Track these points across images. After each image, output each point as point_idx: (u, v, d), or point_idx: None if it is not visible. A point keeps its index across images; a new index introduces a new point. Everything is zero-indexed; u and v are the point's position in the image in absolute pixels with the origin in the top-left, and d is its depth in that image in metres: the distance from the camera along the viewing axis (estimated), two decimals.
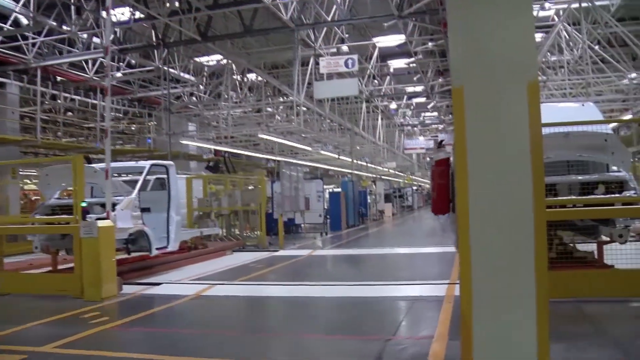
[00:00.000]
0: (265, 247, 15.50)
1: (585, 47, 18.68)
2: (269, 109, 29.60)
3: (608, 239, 7.40)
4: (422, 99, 34.97)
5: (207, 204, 16.20)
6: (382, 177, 40.73)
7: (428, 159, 50.23)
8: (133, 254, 10.73)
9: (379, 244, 16.87)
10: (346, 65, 17.77)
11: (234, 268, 11.65)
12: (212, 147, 24.18)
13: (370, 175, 37.87)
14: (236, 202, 16.48)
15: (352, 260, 12.97)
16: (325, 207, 22.20)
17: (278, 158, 31.42)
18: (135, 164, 12.59)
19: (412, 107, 38.75)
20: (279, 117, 28.04)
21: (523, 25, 3.63)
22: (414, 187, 51.33)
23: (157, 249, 10.63)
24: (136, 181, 10.62)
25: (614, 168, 7.83)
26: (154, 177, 12.13)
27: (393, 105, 37.15)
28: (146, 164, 11.06)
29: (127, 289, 8.77)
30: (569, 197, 7.24)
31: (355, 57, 17.89)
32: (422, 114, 42.38)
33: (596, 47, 19.50)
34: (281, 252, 14.50)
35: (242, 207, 16.42)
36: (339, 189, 25.01)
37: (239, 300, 8.11)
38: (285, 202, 16.88)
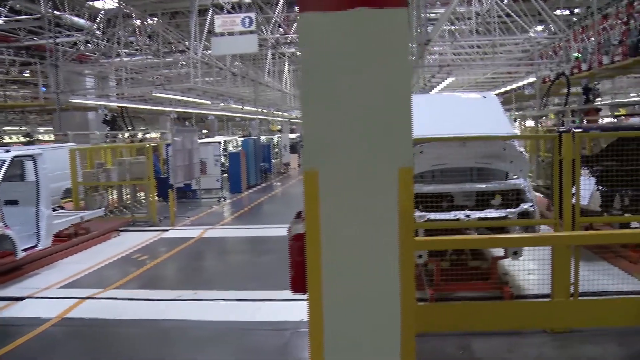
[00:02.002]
0: (156, 224, 14.73)
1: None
2: (169, 59, 28.00)
3: (502, 254, 7.31)
4: None
5: (93, 177, 15.13)
6: (291, 126, 40.12)
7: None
8: None
9: (280, 212, 16.45)
10: (243, 24, 16.76)
11: (113, 262, 10.91)
12: (104, 103, 22.53)
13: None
14: (125, 175, 15.52)
15: (246, 247, 12.50)
16: (224, 168, 21.50)
17: (179, 109, 30.07)
18: None
19: None
20: (179, 71, 26.53)
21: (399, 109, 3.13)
22: None
23: (24, 249, 9.73)
24: None
25: (513, 176, 7.64)
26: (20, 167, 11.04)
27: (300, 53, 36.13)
28: (6, 156, 9.91)
29: None
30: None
31: (252, 15, 16.90)
32: None
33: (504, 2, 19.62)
34: (171, 232, 13.80)
35: (131, 182, 15.47)
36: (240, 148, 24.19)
37: (102, 330, 7.46)
38: (178, 173, 16.06)
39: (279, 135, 35.00)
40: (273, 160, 29.04)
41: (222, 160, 25.41)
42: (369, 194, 3.15)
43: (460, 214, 6.97)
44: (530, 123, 26.03)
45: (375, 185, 3.14)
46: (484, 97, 8.66)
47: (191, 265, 10.79)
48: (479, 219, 6.92)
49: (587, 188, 8.83)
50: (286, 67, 36.27)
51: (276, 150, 30.87)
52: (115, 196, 16.56)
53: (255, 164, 23.45)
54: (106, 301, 8.41)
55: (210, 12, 18.95)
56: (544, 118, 18.78)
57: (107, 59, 25.33)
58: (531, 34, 21.80)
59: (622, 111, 43.22)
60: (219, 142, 29.82)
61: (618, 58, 19.67)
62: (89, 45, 26.82)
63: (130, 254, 11.63)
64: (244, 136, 32.08)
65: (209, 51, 20.42)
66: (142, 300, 8.40)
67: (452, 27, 23.66)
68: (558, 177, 6.43)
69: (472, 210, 7.25)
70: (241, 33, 17.90)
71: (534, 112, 19.39)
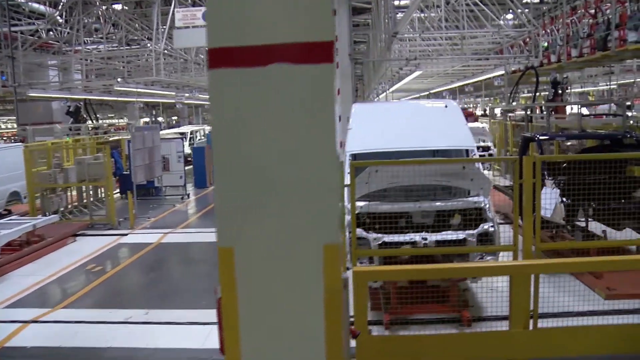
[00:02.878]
0: (115, 227, 14.26)
1: None
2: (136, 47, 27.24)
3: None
4: None
5: (50, 179, 14.57)
6: None
7: None
8: None
9: None
10: (204, 18, 16.22)
11: (66, 275, 10.48)
12: (66, 96, 21.81)
13: None
14: (84, 176, 14.98)
15: (205, 255, 12.12)
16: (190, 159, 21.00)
17: (146, 100, 29.37)
18: None
19: None
20: (143, 62, 25.85)
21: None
22: None
23: None
24: None
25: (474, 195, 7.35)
26: None
27: None
28: None
29: None
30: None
31: None
32: None
33: None
34: (129, 237, 13.36)
35: (89, 183, 14.96)
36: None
37: None
38: (138, 173, 15.57)
39: None
40: None
41: (189, 151, 24.96)
42: (291, 273, 2.83)
43: (416, 236, 6.70)
44: (497, 111, 26.00)
45: (297, 264, 2.81)
46: (445, 106, 8.37)
47: (146, 278, 10.40)
48: (436, 242, 6.66)
49: (550, 200, 8.65)
50: None
51: None
52: (74, 194, 16.05)
53: None
54: (52, 325, 7.99)
55: (174, 2, 18.39)
56: (512, 113, 18.62)
57: (70, 47, 24.57)
58: (500, 23, 21.58)
59: (591, 97, 43.61)
60: (185, 133, 29.36)
61: (586, 51, 19.57)
62: (51, 33, 25.98)
63: (85, 263, 11.20)
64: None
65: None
66: (90, 323, 8.00)
67: (422, 15, 23.38)
68: (518, 201, 6.17)
69: (430, 229, 6.99)
70: (204, 26, 17.38)
71: (503, 105, 19.24)
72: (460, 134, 7.90)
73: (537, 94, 18.42)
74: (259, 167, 2.75)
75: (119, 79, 21.05)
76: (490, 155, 18.61)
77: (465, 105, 53.29)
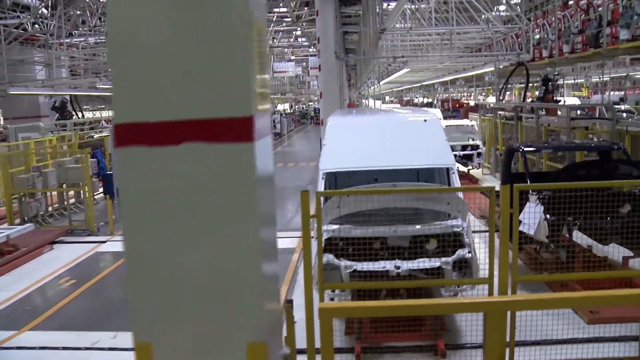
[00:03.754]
0: (95, 232, 13.95)
1: None
2: None
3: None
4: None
5: (28, 184, 14.22)
6: None
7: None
8: None
9: None
10: None
11: (38, 289, 10.18)
12: (49, 93, 21.40)
13: None
14: (65, 180, 14.65)
15: None
16: None
17: None
18: None
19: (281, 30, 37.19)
20: None
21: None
22: (285, 111, 49.85)
23: None
24: None
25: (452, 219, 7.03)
26: None
27: None
28: None
29: None
30: None
31: None
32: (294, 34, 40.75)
33: None
34: (107, 245, 13.04)
35: (69, 189, 14.63)
36: None
37: None
38: (115, 180, 15.21)
39: None
40: None
41: None
42: None
43: (389, 265, 6.41)
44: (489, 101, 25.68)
45: None
46: (425, 120, 8.03)
47: (117, 295, 9.99)
48: (410, 270, 6.37)
49: (534, 216, 8.35)
50: None
51: None
52: (55, 195, 15.73)
53: None
54: (16, 352, 7.69)
55: None
56: (502, 111, 18.28)
57: (56, 39, 24.16)
58: (491, 15, 21.19)
59: (585, 91, 43.25)
60: None
61: (578, 47, 19.25)
62: (37, 26, 25.53)
63: (59, 275, 10.91)
64: None
65: None
66: (55, 349, 7.71)
67: (413, 7, 23.02)
68: (493, 231, 5.87)
69: (406, 254, 6.70)
70: None
71: (493, 103, 18.92)
72: (440, 151, 7.58)
73: (529, 87, 18.09)
74: (175, 261, 2.44)
75: (101, 77, 20.63)
76: (479, 154, 18.31)
77: (458, 97, 52.99)
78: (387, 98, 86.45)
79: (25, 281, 10.57)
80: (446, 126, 19.93)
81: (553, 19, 20.54)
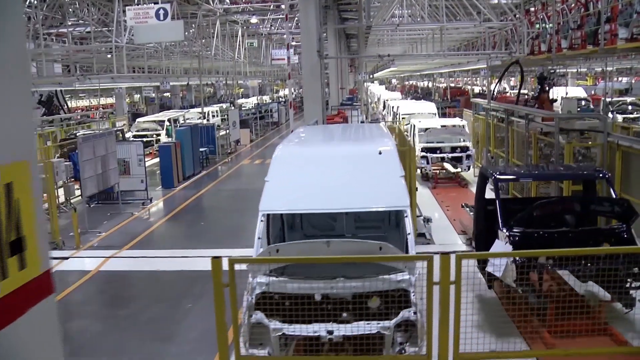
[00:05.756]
0: (60, 246, 13.34)
1: None
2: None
3: None
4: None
5: None
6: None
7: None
8: None
9: (211, 224, 15.22)
10: (157, 16, 15.03)
11: None
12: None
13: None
14: None
15: (146, 290, 11.16)
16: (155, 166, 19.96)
17: (123, 85, 28.23)
18: None
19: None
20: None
21: None
22: (282, 100, 48.79)
23: None
24: None
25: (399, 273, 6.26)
26: None
27: (254, 20, 34.24)
28: None
29: None
30: None
31: (167, 6, 15.13)
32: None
33: None
34: (69, 262, 12.42)
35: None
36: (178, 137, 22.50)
37: None
38: (88, 185, 14.59)
39: (214, 111, 33.50)
40: (220, 141, 27.55)
41: (167, 139, 23.88)
42: None
43: (322, 330, 5.71)
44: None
45: None
46: (380, 152, 7.24)
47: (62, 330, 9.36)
48: (344, 337, 5.67)
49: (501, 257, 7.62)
50: (240, 36, 34.47)
51: (221, 130, 29.09)
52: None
53: (193, 152, 21.89)
54: None
55: None
56: (494, 112, 17.44)
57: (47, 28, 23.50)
58: (485, 11, 20.23)
59: (590, 79, 42.04)
60: (163, 121, 28.27)
61: (577, 42, 18.29)
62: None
63: None
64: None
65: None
66: None
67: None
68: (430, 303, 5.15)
69: (344, 315, 6.00)
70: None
71: (485, 105, 18.06)
72: (394, 190, 6.81)
73: (522, 88, 17.21)
74: None
75: (78, 76, 19.90)
76: (469, 156, 17.53)
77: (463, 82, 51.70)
78: (393, 81, 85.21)
79: None
80: (434, 128, 19.21)
81: (552, 12, 19.53)
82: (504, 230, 7.82)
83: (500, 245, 7.78)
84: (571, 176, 9.84)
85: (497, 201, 8.15)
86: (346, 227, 9.13)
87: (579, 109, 28.43)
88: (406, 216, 6.61)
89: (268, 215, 6.92)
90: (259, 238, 6.60)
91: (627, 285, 7.36)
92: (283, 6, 30.09)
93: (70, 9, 25.05)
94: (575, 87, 36.99)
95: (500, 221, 7.97)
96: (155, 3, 17.48)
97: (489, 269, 7.82)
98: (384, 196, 6.83)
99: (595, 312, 7.78)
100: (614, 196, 8.25)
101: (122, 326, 9.14)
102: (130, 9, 15.17)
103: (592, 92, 38.72)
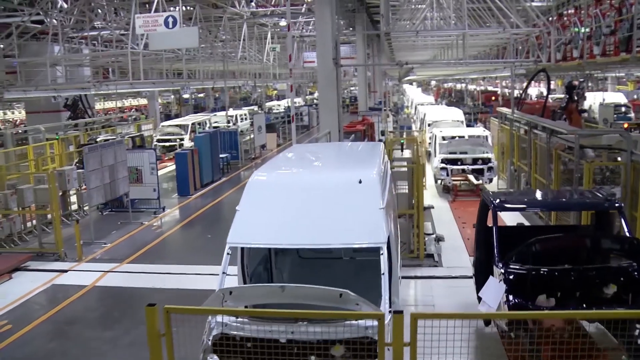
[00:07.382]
0: (62, 257, 13.16)
1: None
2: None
3: None
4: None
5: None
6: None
7: None
8: None
9: (220, 236, 14.87)
10: (166, 24, 14.72)
11: None
12: (44, 95, 20.77)
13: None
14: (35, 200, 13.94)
15: (136, 313, 10.82)
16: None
17: (148, 89, 28.17)
18: None
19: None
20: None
21: None
22: (314, 103, 48.26)
23: None
24: None
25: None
26: None
27: (283, 23, 33.84)
28: None
29: None
30: None
31: (176, 14, 14.82)
32: None
33: None
34: (68, 275, 12.21)
35: (33, 212, 13.90)
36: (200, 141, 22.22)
37: None
38: (94, 195, 14.40)
39: (243, 115, 33.31)
40: (244, 146, 27.27)
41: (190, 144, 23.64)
42: None
43: None
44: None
45: None
46: (360, 181, 6.65)
47: (46, 350, 9.03)
48: None
49: (494, 296, 6.98)
50: (269, 40, 34.16)
51: (244, 135, 28.78)
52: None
53: (212, 159, 21.59)
54: None
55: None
56: (518, 123, 16.61)
57: (78, 32, 23.65)
58: (513, 17, 19.35)
59: (630, 85, 40.29)
60: (186, 126, 28.14)
61: (610, 49, 17.29)
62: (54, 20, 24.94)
63: (1, 316, 10.12)
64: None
65: None
66: None
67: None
68: None
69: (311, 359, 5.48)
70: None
71: (509, 115, 17.21)
72: (372, 224, 6.23)
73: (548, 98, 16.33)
74: None
75: (94, 82, 19.83)
76: (490, 168, 16.75)
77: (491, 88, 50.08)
78: (433, 82, 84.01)
79: None
80: (455, 138, 18.46)
81: (583, 15, 18.52)
82: (500, 266, 7.15)
83: (494, 282, 7.12)
84: (578, 206, 9.06)
85: (494, 233, 7.48)
86: (343, 250, 8.63)
87: (615, 116, 27.19)
88: (382, 254, 6.04)
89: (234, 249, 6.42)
90: (223, 273, 6.13)
91: (637, 332, 6.59)
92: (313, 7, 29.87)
93: (94, 13, 25.17)
94: (614, 92, 35.49)
95: (495, 256, 7.31)
96: (173, 9, 17.28)
97: (481, 308, 7.19)
98: (358, 231, 6.26)
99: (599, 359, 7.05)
100: (625, 228, 7.48)
101: (101, 350, 8.81)
102: (140, 17, 14.93)
103: (635, 97, 37.12)
